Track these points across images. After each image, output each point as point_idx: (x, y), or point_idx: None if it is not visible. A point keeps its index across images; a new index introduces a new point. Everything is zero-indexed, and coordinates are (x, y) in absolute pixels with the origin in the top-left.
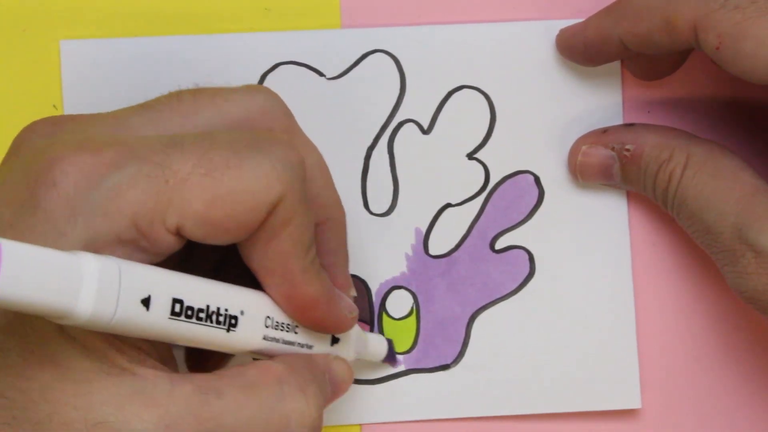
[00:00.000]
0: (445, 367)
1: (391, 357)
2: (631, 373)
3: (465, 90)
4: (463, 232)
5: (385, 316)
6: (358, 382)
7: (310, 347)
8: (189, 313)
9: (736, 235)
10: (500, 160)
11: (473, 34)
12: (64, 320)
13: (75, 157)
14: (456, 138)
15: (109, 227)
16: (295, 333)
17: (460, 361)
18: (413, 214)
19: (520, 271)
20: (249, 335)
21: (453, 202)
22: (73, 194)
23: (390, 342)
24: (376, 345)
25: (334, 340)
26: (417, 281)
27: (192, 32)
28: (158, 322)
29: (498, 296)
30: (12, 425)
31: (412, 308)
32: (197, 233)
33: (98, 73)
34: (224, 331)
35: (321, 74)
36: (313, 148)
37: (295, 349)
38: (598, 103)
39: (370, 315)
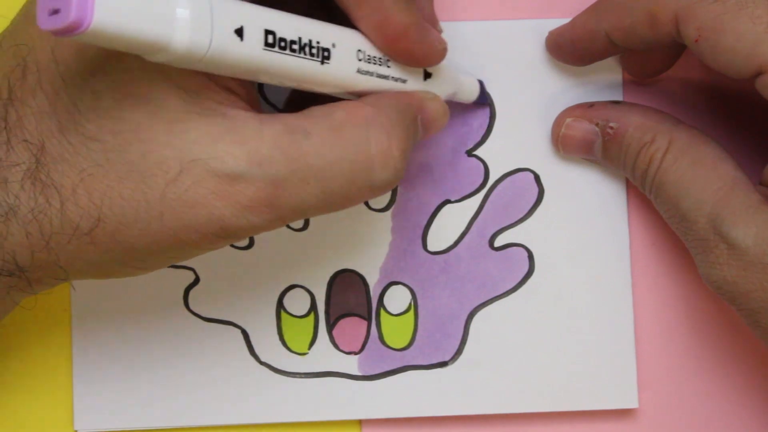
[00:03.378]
0: (443, 364)
1: (482, 97)
2: (628, 373)
3: None
4: (463, 229)
5: (383, 312)
6: (356, 378)
7: (404, 81)
8: (282, 44)
9: (711, 226)
10: (500, 157)
11: (473, 31)
12: (160, 55)
13: None
14: (456, 135)
15: None
16: (388, 67)
17: (458, 358)
18: (412, 210)
19: (519, 268)
20: (343, 67)
21: (452, 199)
22: None
23: (481, 83)
24: (469, 84)
25: (427, 76)
26: (415, 277)
27: None
28: (253, 53)
29: (497, 294)
30: (104, 166)
31: (410, 304)
32: None
33: None
34: (318, 64)
35: None
36: None
37: (389, 84)
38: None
39: (368, 310)
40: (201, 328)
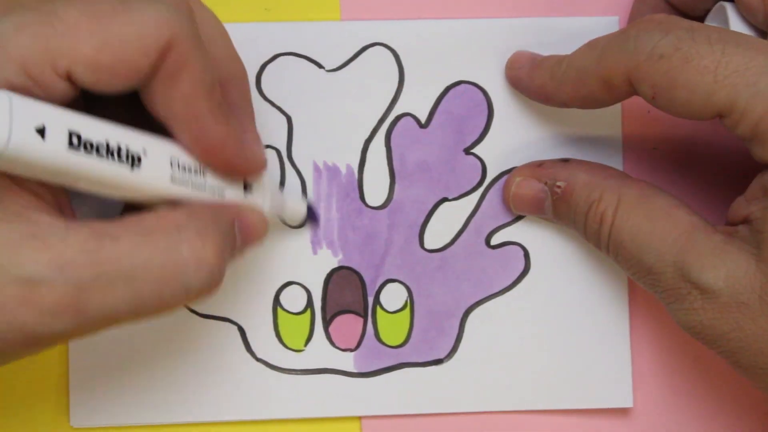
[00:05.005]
0: (438, 362)
1: (313, 218)
2: (623, 372)
3: (463, 85)
4: (459, 226)
5: (379, 309)
6: (352, 375)
7: (221, 193)
8: (88, 146)
9: (679, 274)
10: (497, 155)
11: (472, 29)
12: None
13: None
14: (453, 133)
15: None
16: (204, 176)
17: (453, 355)
18: (409, 207)
19: (515, 267)
20: (155, 174)
21: (449, 197)
22: None
23: (310, 202)
24: (294, 203)
25: (247, 188)
26: (412, 275)
27: None
28: (56, 153)
29: (492, 292)
30: None
31: (406, 302)
32: (88, 78)
33: None
34: (128, 169)
35: (320, 66)
36: (208, 10)
37: (206, 195)
38: None
39: (365, 307)
40: (197, 325)
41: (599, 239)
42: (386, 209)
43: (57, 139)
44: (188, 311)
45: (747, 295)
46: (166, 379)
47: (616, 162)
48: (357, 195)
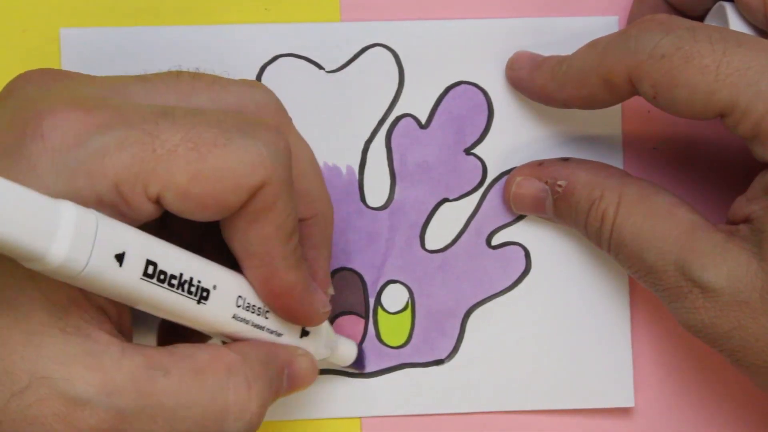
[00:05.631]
0: (439, 362)
1: (359, 363)
2: (625, 372)
3: (463, 86)
4: (460, 227)
5: (380, 310)
6: (353, 375)
7: (279, 335)
8: (162, 277)
9: (680, 273)
10: (498, 155)
11: (472, 29)
12: (34, 263)
13: (66, 113)
14: (454, 133)
15: (91, 187)
16: (266, 318)
17: (454, 356)
18: (410, 208)
19: (515, 267)
20: (219, 311)
21: (450, 197)
22: (60, 149)
23: (360, 348)
24: (346, 347)
25: (304, 333)
26: (413, 276)
27: (192, 23)
28: (129, 280)
29: (493, 292)
30: None
31: (407, 302)
32: (176, 206)
33: (98, 62)
34: (194, 302)
35: (320, 67)
36: (305, 144)
37: (264, 335)
38: None
39: (366, 308)
40: None
41: (600, 238)
42: (387, 210)
43: (134, 267)
44: None
45: (748, 294)
46: None
47: (616, 162)
48: (357, 196)
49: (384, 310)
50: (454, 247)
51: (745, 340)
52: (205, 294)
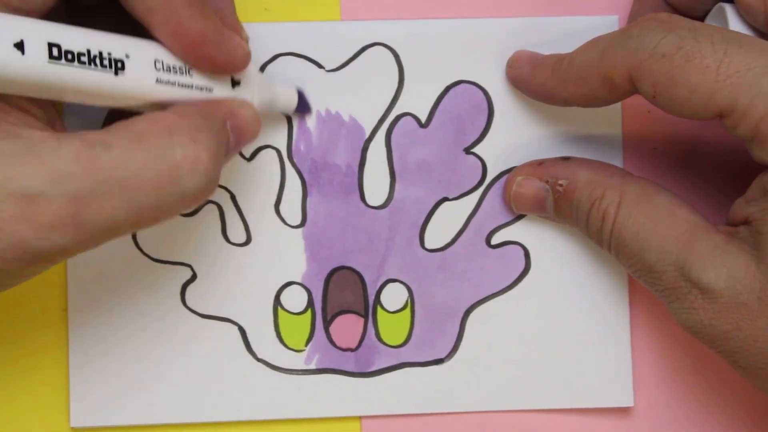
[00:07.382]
0: (438, 362)
1: (303, 106)
2: (624, 371)
3: (463, 85)
4: (460, 226)
5: (379, 309)
6: (353, 374)
7: (210, 90)
8: (69, 56)
9: (680, 273)
10: (498, 155)
11: (472, 29)
12: None
13: None
14: (454, 132)
15: None
16: (190, 76)
17: (453, 355)
18: (410, 207)
19: (515, 266)
20: (140, 78)
21: (450, 197)
22: None
23: (301, 92)
24: (285, 92)
25: (235, 84)
26: (412, 275)
27: None
28: (37, 67)
29: (493, 291)
30: None
31: (406, 302)
32: None
33: None
34: (112, 75)
35: (320, 66)
36: None
37: (194, 93)
38: None
39: (365, 307)
40: (198, 325)
41: (601, 237)
42: (386, 209)
43: (37, 52)
44: (188, 311)
45: (746, 296)
46: (167, 379)
47: (616, 162)
48: (357, 195)
49: (383, 309)
50: (453, 247)
51: (743, 341)
52: (120, 65)
